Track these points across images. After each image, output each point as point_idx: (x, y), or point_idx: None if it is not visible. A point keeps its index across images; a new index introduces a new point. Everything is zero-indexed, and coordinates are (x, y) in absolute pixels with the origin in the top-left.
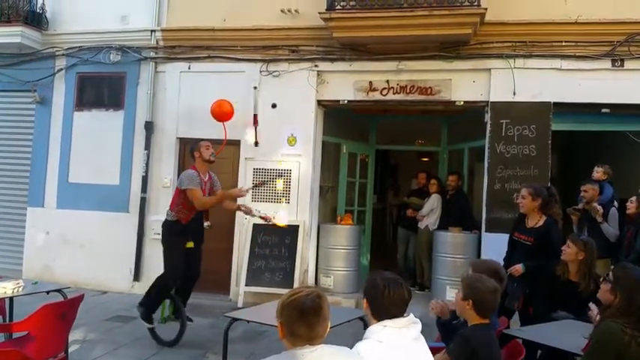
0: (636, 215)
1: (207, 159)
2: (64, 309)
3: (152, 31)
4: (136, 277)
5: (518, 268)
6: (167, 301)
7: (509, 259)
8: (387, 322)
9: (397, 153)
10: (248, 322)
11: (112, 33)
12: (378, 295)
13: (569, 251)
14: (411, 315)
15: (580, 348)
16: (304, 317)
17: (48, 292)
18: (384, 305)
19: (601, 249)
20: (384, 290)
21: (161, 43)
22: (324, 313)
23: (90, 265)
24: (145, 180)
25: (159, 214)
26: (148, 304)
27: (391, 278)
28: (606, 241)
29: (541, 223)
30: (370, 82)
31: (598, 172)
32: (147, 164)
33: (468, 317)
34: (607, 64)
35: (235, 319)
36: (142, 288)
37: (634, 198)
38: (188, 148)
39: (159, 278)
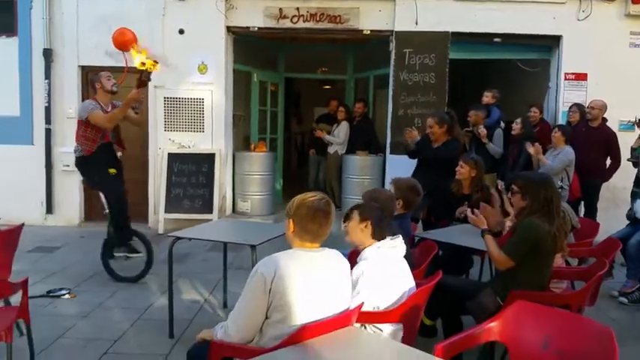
0: (520, 136)
1: (110, 90)
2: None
3: None
4: (49, 209)
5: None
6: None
7: (414, 176)
8: (379, 243)
9: (300, 81)
10: (190, 239)
11: None
12: (383, 218)
13: (463, 170)
14: (400, 237)
15: (476, 246)
16: (317, 217)
17: None
18: (385, 227)
19: (487, 165)
20: (384, 215)
21: None
22: (331, 217)
23: None
24: (48, 111)
25: (66, 145)
26: (120, 237)
27: (381, 206)
28: (492, 158)
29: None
30: (280, 9)
31: (487, 97)
32: (49, 94)
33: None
34: None
35: (178, 238)
36: (55, 220)
37: (519, 120)
38: (89, 80)
39: (112, 208)
